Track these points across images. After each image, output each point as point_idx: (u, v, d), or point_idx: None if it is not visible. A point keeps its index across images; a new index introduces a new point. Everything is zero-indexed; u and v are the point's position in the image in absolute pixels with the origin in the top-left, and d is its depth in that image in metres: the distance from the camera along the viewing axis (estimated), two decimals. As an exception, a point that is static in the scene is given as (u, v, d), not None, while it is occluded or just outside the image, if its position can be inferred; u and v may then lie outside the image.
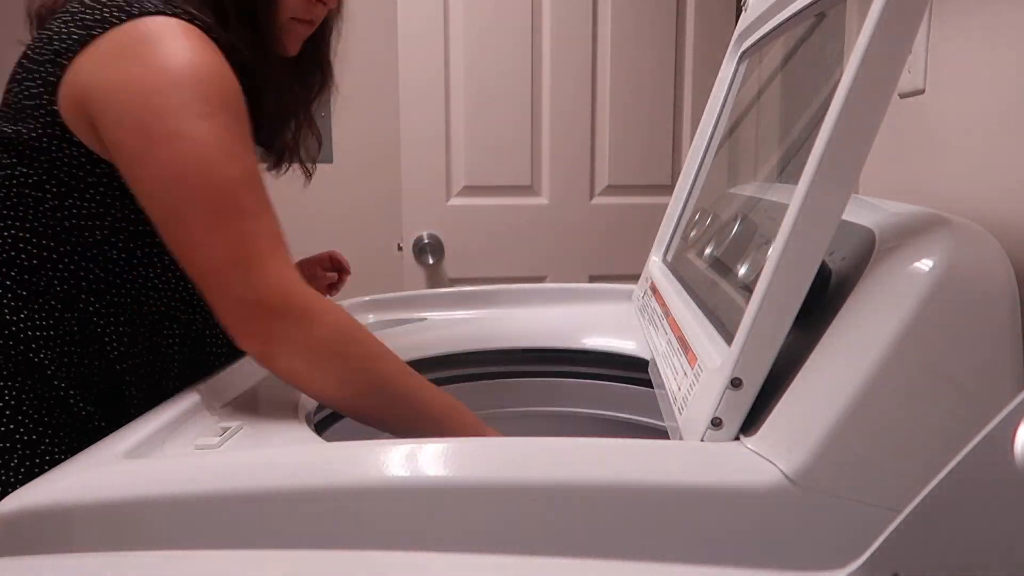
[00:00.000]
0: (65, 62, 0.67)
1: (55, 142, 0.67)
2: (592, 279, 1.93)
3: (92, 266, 0.70)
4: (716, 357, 0.54)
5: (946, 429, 0.44)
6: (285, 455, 0.52)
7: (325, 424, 0.80)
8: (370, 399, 0.67)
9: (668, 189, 1.81)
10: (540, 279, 1.86)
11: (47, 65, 0.68)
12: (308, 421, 0.67)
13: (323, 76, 0.89)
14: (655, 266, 0.98)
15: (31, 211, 0.68)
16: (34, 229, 0.68)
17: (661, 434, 0.66)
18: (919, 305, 0.44)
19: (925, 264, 0.45)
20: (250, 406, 0.68)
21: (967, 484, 0.32)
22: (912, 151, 0.82)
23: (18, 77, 0.70)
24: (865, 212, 0.57)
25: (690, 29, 1.91)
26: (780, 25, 0.80)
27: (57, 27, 0.69)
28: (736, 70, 0.95)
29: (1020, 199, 0.63)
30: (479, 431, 0.70)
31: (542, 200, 1.88)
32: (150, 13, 0.67)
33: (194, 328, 0.78)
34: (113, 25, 0.66)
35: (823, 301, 0.51)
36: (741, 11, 0.97)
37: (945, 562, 0.33)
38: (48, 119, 0.67)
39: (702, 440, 0.50)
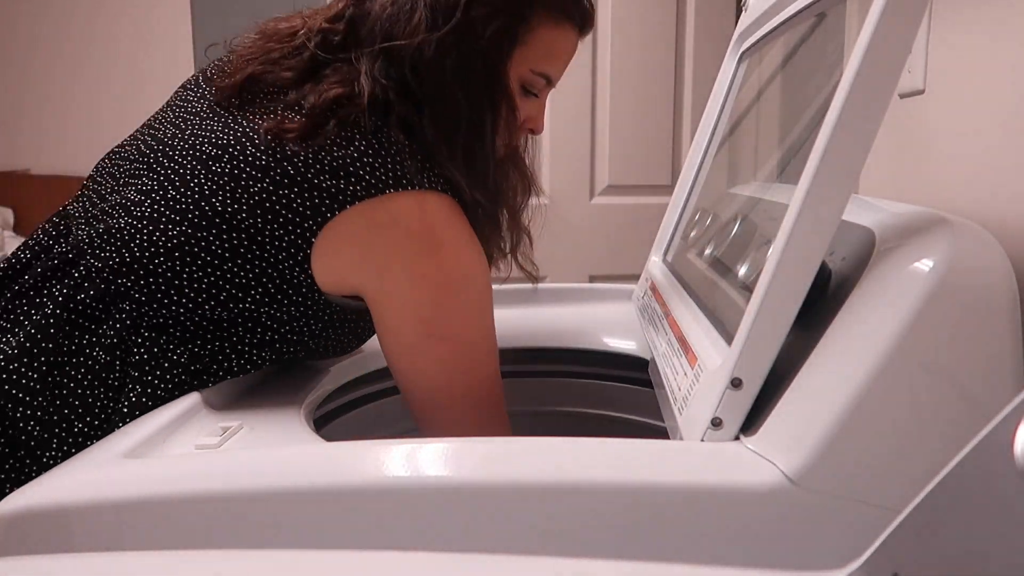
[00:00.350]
0: (322, 218, 0.64)
1: (292, 275, 0.66)
2: (592, 279, 1.93)
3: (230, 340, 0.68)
4: (716, 357, 0.54)
5: (946, 429, 0.44)
6: (285, 455, 0.52)
7: (325, 424, 0.80)
8: None
9: (668, 189, 1.81)
10: (540, 279, 1.86)
11: (294, 198, 0.64)
12: (308, 421, 0.67)
13: (526, 185, 0.93)
14: (655, 266, 0.98)
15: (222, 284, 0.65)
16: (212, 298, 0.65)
17: (661, 434, 0.66)
18: (919, 305, 0.44)
19: (925, 264, 0.45)
20: (250, 406, 0.68)
21: (967, 484, 0.32)
22: (912, 151, 0.82)
23: (241, 164, 0.65)
24: (865, 212, 0.57)
25: (690, 29, 1.91)
26: (780, 25, 0.80)
27: (307, 154, 0.64)
28: (736, 70, 0.96)
29: (1020, 199, 0.63)
30: None
31: (542, 200, 1.88)
32: (413, 185, 0.65)
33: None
34: (376, 194, 0.64)
35: (823, 301, 0.51)
36: (741, 11, 0.97)
37: (945, 562, 0.33)
38: (296, 272, 0.65)
39: (702, 440, 0.50)
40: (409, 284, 0.67)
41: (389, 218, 0.66)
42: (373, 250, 0.66)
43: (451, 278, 0.68)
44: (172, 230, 0.65)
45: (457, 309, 0.69)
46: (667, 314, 0.78)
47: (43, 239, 0.71)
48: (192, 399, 0.65)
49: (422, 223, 0.66)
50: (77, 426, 0.64)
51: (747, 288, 0.58)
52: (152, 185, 0.67)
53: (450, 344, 0.69)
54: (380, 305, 0.69)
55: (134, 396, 0.65)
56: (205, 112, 0.71)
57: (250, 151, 0.65)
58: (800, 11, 0.74)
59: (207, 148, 0.67)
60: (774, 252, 0.48)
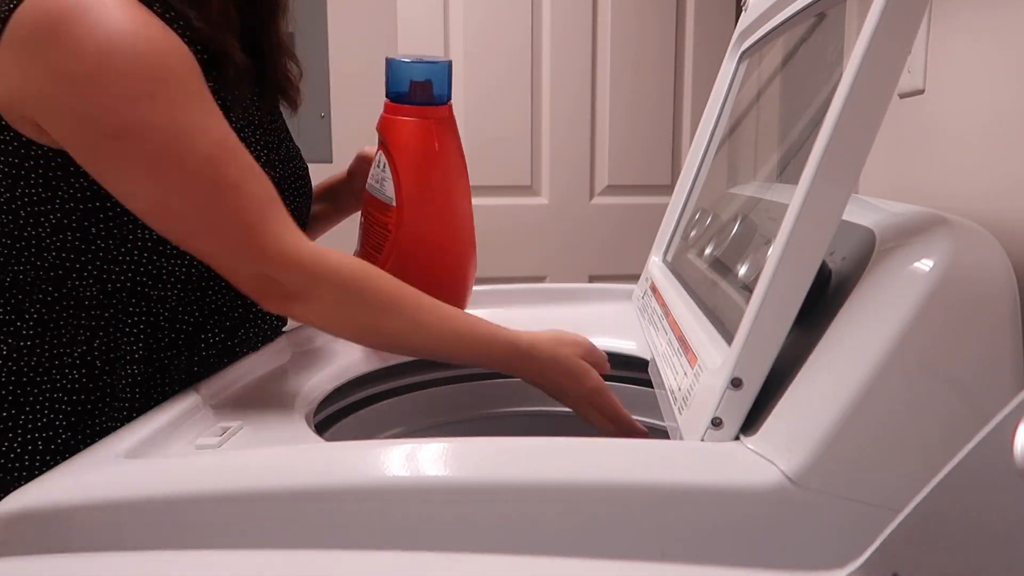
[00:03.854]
0: None
1: None
2: (592, 279, 1.93)
3: (47, 254, 0.67)
4: (716, 357, 0.54)
5: (946, 429, 0.44)
6: (285, 455, 0.52)
7: (325, 424, 0.80)
8: (392, 337, 0.70)
9: (668, 189, 1.81)
10: (540, 279, 1.86)
11: None
12: (308, 421, 0.67)
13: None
14: (655, 266, 0.98)
15: None
16: None
17: (661, 434, 0.66)
18: (919, 305, 0.44)
19: (925, 264, 0.45)
20: (250, 406, 0.68)
21: (967, 484, 0.32)
22: (912, 151, 0.82)
23: None
24: (865, 212, 0.57)
25: (690, 29, 1.91)
26: (780, 25, 0.80)
27: None
28: (736, 70, 0.96)
29: (1020, 199, 0.63)
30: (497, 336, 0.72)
31: (542, 200, 1.88)
32: None
33: (167, 305, 0.74)
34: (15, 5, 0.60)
35: (823, 301, 0.51)
36: (741, 11, 0.97)
37: (945, 562, 0.33)
38: None
39: (702, 440, 0.50)
40: (51, 84, 0.59)
41: (26, 17, 0.60)
42: (20, 62, 0.60)
43: (88, 63, 0.58)
44: None
45: (113, 99, 0.59)
46: (667, 314, 0.78)
47: None
48: (192, 399, 0.65)
49: (49, 12, 0.59)
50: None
51: (747, 288, 0.58)
52: None
53: (128, 140, 0.60)
54: (46, 122, 0.62)
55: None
56: None
57: None
58: (800, 11, 0.74)
59: None
60: (774, 252, 0.48)
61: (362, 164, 0.98)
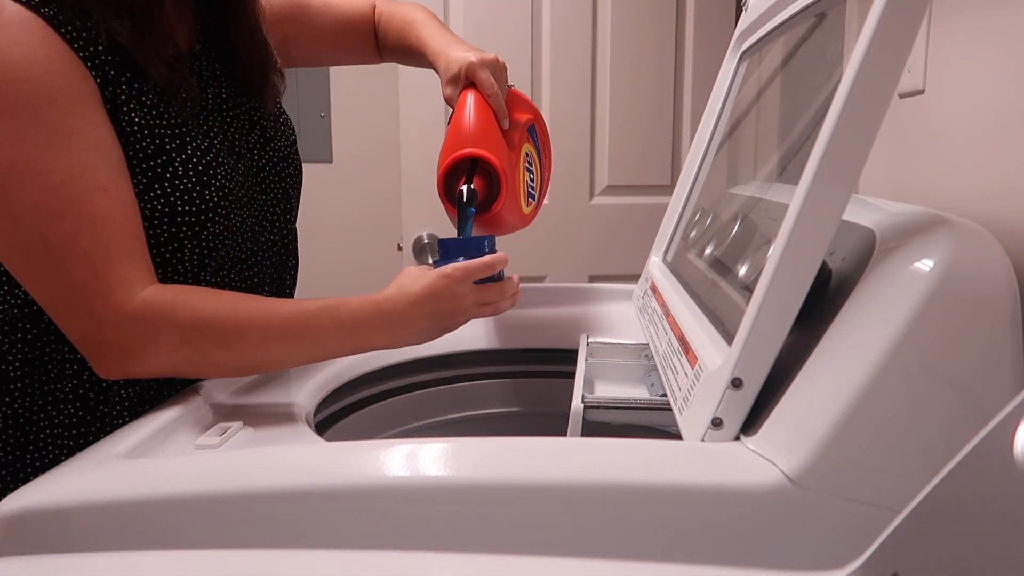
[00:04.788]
0: None
1: None
2: (592, 279, 1.93)
3: (19, 289, 0.66)
4: (716, 357, 0.54)
5: (946, 429, 0.44)
6: (285, 455, 0.52)
7: (325, 424, 0.80)
8: (255, 354, 0.64)
9: (668, 189, 1.81)
10: (540, 279, 1.86)
11: None
12: (308, 421, 0.67)
13: None
14: (655, 266, 0.98)
15: None
16: None
17: (661, 434, 0.66)
18: (919, 305, 0.44)
19: (925, 264, 0.45)
20: (250, 406, 0.68)
21: (967, 484, 0.32)
22: (912, 151, 0.82)
23: None
24: (865, 212, 0.57)
25: (690, 29, 1.91)
26: (780, 25, 0.80)
27: None
28: (736, 70, 0.95)
29: (1020, 199, 0.63)
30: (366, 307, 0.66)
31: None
32: None
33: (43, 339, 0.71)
34: None
35: (823, 301, 0.51)
36: (741, 11, 0.97)
37: (945, 562, 0.33)
38: None
39: (702, 440, 0.50)
40: None
41: None
42: None
43: None
44: None
45: None
46: (667, 314, 0.78)
47: None
48: (192, 399, 0.65)
49: None
50: None
51: (747, 288, 0.58)
52: None
53: None
54: None
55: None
56: None
57: None
58: (800, 11, 0.74)
59: None
60: (774, 252, 0.48)
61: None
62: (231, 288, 0.76)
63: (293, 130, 0.88)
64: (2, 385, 0.68)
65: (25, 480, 0.67)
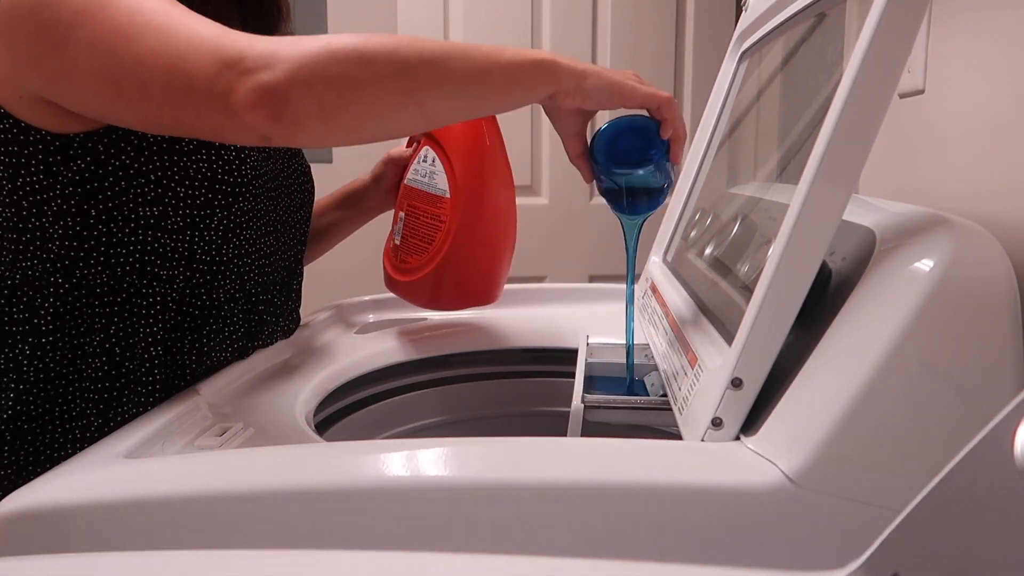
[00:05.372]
0: None
1: None
2: (592, 279, 1.93)
3: (52, 244, 0.68)
4: (716, 357, 0.54)
5: (946, 429, 0.44)
6: (285, 455, 0.52)
7: (325, 424, 0.80)
8: (416, 91, 0.57)
9: (668, 189, 1.80)
10: (540, 279, 1.86)
11: None
12: (308, 421, 0.67)
13: (279, 5, 0.81)
14: (655, 266, 0.98)
15: None
16: None
17: (661, 434, 0.66)
18: (919, 305, 0.44)
19: (925, 264, 0.45)
20: (250, 406, 0.68)
21: (967, 484, 0.32)
22: (912, 151, 0.82)
23: None
24: (865, 212, 0.57)
25: (690, 29, 1.91)
26: (780, 25, 0.80)
27: None
28: (736, 70, 0.96)
29: (1020, 199, 0.63)
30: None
31: (542, 200, 1.88)
32: None
33: (175, 286, 0.73)
34: None
35: (823, 301, 0.51)
36: (741, 11, 0.97)
37: (945, 562, 0.33)
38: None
39: (702, 440, 0.50)
40: (27, 38, 0.58)
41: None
42: (5, 41, 0.60)
43: None
44: None
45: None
46: (667, 314, 0.78)
47: None
48: (192, 399, 0.65)
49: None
50: None
51: (747, 288, 0.58)
52: None
53: (76, 32, 0.57)
54: (27, 76, 0.61)
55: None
56: None
57: None
58: (800, 11, 0.74)
59: None
60: (774, 252, 0.48)
61: (391, 166, 1.00)
62: (245, 280, 0.78)
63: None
64: (34, 339, 0.69)
65: (56, 434, 0.69)
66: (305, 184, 0.88)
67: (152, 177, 0.68)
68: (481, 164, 0.87)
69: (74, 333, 0.70)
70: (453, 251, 0.86)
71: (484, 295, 0.92)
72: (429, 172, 0.88)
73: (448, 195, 0.86)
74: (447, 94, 0.59)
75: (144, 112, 0.59)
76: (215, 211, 0.72)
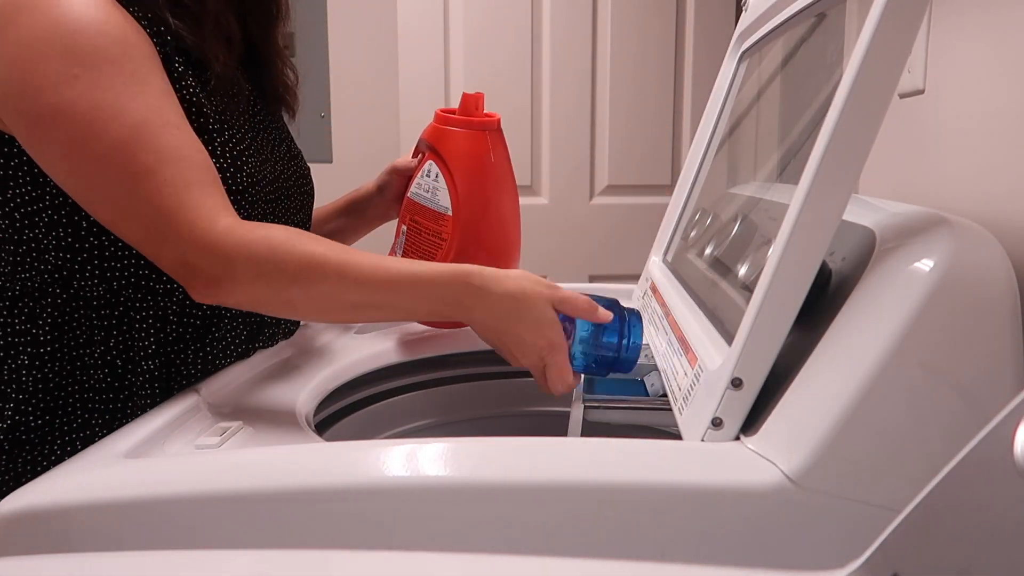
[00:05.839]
0: None
1: None
2: (592, 279, 1.93)
3: (48, 255, 0.68)
4: (716, 357, 0.54)
5: (946, 429, 0.44)
6: (285, 455, 0.52)
7: (325, 424, 0.80)
8: (323, 301, 0.65)
9: (668, 189, 1.81)
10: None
11: None
12: (308, 421, 0.67)
13: (278, 3, 0.83)
14: (655, 266, 0.98)
15: None
16: None
17: (661, 434, 0.66)
18: (919, 305, 0.44)
19: (925, 264, 0.45)
20: (250, 406, 0.68)
21: (967, 484, 0.32)
22: (912, 151, 0.82)
23: None
24: (865, 212, 0.57)
25: (690, 29, 1.91)
26: (780, 25, 0.80)
27: None
28: (736, 70, 0.96)
29: (1020, 199, 0.63)
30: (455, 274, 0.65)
31: (542, 200, 1.88)
32: None
33: (174, 298, 0.74)
34: None
35: (823, 301, 0.51)
36: (741, 11, 0.97)
37: (945, 562, 0.33)
38: None
39: (702, 440, 0.50)
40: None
41: None
42: None
43: (25, 47, 0.59)
44: None
45: (40, 79, 0.60)
46: (667, 314, 0.78)
47: None
48: (192, 399, 0.65)
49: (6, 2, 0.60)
50: None
51: (747, 288, 0.58)
52: None
53: (53, 124, 0.61)
54: None
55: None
56: None
57: None
58: (800, 11, 0.74)
59: None
60: (774, 252, 0.48)
61: (395, 176, 0.98)
62: None
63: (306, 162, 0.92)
64: (33, 349, 0.69)
65: (55, 445, 0.69)
66: (305, 186, 0.88)
67: None
68: (484, 182, 0.86)
69: (73, 344, 0.69)
70: None
71: None
72: (432, 188, 0.86)
73: (450, 212, 0.85)
74: (356, 308, 0.67)
75: (105, 224, 0.65)
76: None
